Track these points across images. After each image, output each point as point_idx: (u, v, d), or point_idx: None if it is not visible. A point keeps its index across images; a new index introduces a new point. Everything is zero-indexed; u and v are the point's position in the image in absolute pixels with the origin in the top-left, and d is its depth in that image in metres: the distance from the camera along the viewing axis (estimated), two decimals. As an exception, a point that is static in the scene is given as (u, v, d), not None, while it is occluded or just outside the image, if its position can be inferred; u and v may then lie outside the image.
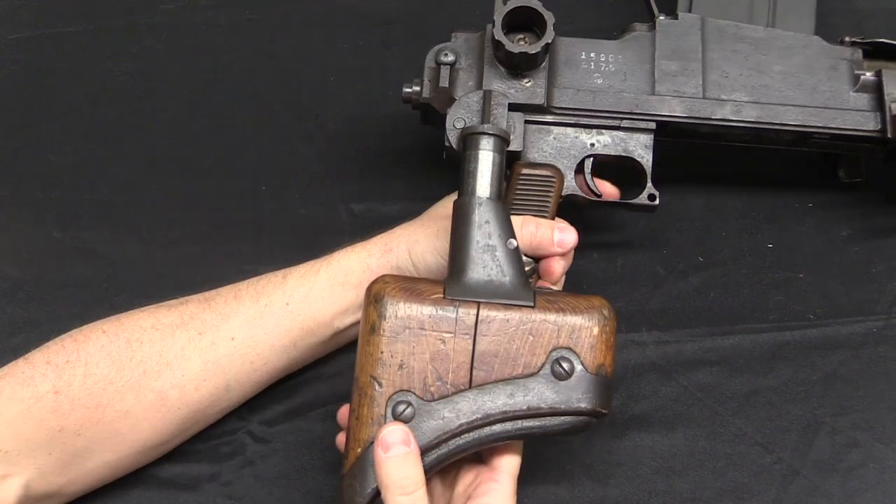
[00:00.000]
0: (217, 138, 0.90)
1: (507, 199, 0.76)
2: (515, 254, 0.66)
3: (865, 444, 0.77)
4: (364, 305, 0.65)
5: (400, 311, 0.63)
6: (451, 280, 0.65)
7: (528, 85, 0.76)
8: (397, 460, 0.60)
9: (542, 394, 0.63)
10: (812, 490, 0.76)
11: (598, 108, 0.77)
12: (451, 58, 0.76)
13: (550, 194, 0.76)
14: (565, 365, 0.63)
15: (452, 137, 0.74)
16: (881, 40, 0.80)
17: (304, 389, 0.79)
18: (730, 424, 0.75)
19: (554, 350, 0.63)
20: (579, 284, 0.82)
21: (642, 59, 0.78)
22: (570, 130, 0.78)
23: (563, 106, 0.77)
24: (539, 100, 0.76)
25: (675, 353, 0.81)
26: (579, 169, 0.77)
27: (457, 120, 0.74)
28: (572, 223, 0.75)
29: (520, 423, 0.63)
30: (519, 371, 0.63)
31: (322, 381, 0.80)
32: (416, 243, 0.74)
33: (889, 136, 0.76)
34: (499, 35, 0.73)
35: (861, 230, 0.85)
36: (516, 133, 0.75)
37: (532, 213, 0.75)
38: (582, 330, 0.64)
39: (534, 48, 0.74)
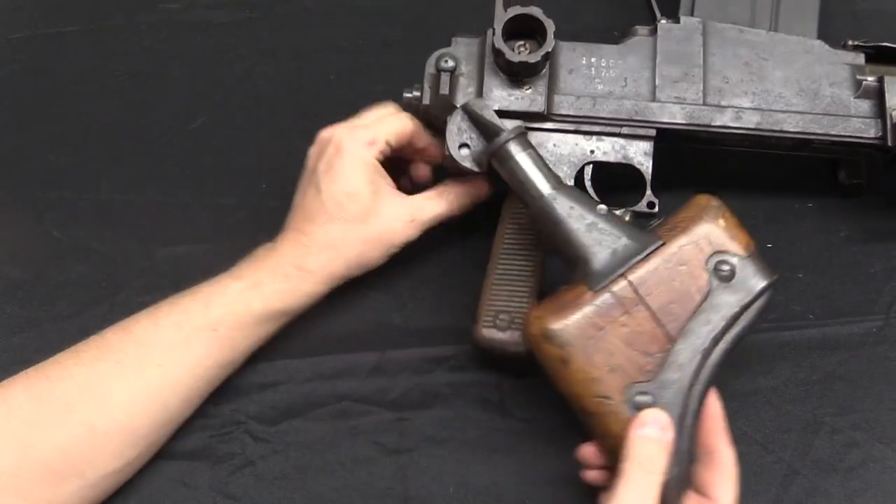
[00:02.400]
0: (217, 138, 0.90)
1: (506, 206, 0.77)
2: (611, 214, 0.68)
3: (865, 443, 0.77)
4: (536, 351, 0.66)
5: (572, 330, 0.64)
6: (583, 274, 0.66)
7: (528, 92, 0.76)
8: (649, 440, 0.62)
9: (727, 301, 0.65)
10: (812, 490, 0.76)
11: (599, 114, 0.77)
12: (451, 64, 0.75)
13: None
14: (725, 267, 0.65)
15: (463, 160, 0.75)
16: (884, 44, 0.79)
17: (303, 389, 0.79)
18: (729, 424, 0.74)
19: (707, 262, 0.65)
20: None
21: (643, 65, 0.78)
22: (569, 137, 0.77)
23: (564, 113, 0.77)
24: (539, 107, 0.76)
25: (674, 353, 0.81)
26: (579, 176, 0.77)
27: (461, 147, 0.75)
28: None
29: (728, 337, 0.65)
30: (697, 298, 0.65)
31: (323, 380, 0.80)
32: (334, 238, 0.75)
33: (889, 144, 0.76)
34: (499, 44, 0.73)
35: (860, 231, 0.85)
36: None
37: (528, 230, 0.76)
38: (713, 231, 0.66)
39: (534, 57, 0.74)
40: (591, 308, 0.65)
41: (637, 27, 0.79)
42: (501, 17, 0.74)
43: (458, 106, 0.75)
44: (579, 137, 0.77)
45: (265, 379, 0.80)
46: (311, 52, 0.93)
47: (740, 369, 0.79)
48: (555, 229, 0.68)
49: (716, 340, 0.65)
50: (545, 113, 0.76)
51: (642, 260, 0.66)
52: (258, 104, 0.91)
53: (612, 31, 0.85)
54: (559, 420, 0.79)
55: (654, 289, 0.65)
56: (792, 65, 0.78)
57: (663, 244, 0.66)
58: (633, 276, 0.65)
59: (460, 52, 0.77)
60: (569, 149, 0.77)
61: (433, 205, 0.78)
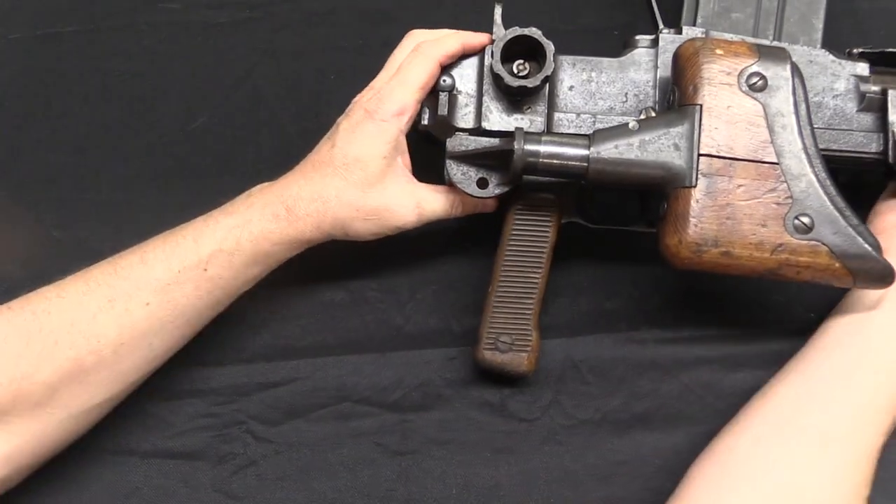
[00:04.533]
0: (217, 138, 0.89)
1: (505, 230, 0.77)
2: (644, 121, 0.71)
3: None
4: (699, 268, 0.69)
5: (708, 228, 0.69)
6: (672, 182, 0.70)
7: (527, 112, 0.76)
8: None
9: (779, 102, 0.70)
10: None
11: None
12: (449, 82, 0.75)
13: (550, 223, 0.77)
14: (754, 80, 0.70)
15: (493, 194, 0.75)
16: (890, 50, 0.78)
17: (306, 390, 0.80)
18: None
19: (741, 88, 0.70)
20: (579, 283, 0.82)
21: (645, 79, 0.77)
22: None
23: (564, 132, 0.76)
24: (539, 127, 0.75)
25: (676, 351, 0.81)
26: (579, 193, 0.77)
27: (481, 187, 0.75)
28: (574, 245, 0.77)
29: (804, 120, 0.70)
30: (760, 120, 0.70)
31: (325, 381, 0.80)
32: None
33: (890, 160, 0.75)
34: (497, 68, 0.73)
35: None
36: None
37: (531, 243, 0.77)
38: (720, 65, 0.70)
39: (533, 82, 0.73)
40: (703, 199, 0.68)
41: (638, 37, 0.78)
42: (500, 39, 0.73)
43: (447, 151, 0.75)
44: None
45: (267, 379, 0.80)
46: (311, 52, 0.92)
47: (741, 367, 0.79)
48: (623, 175, 0.70)
49: (801, 131, 0.69)
50: (545, 133, 0.75)
51: (698, 129, 0.69)
52: (258, 104, 0.91)
53: (612, 31, 0.84)
54: (561, 421, 0.79)
55: (727, 143, 0.69)
56: None
57: (699, 105, 0.69)
58: (704, 149, 0.69)
59: (458, 70, 0.76)
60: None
61: (440, 201, 0.77)
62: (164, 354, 0.74)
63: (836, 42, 0.80)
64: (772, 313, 0.81)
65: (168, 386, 0.75)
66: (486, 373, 0.80)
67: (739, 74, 0.70)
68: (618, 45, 0.80)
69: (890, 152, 0.75)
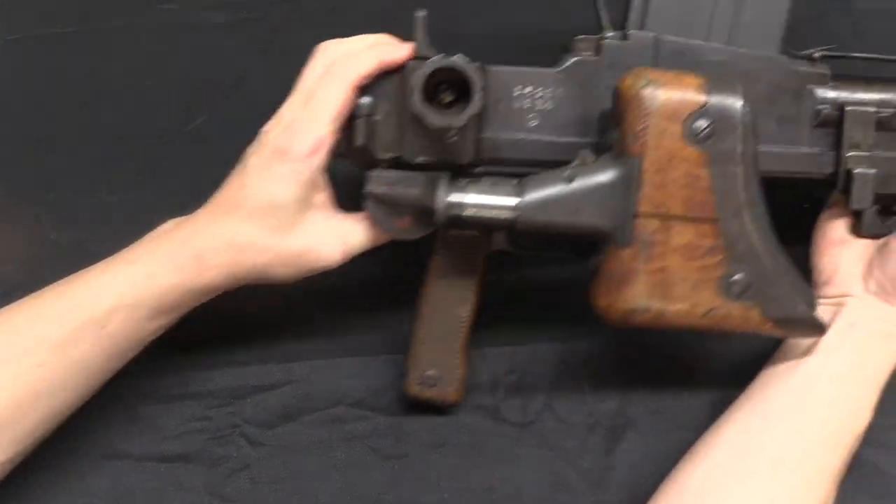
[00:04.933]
0: (216, 139, 0.89)
1: (431, 263, 0.74)
2: (577, 169, 0.66)
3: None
4: (632, 328, 0.67)
5: (643, 291, 0.66)
6: (606, 239, 0.66)
7: (453, 139, 0.68)
8: None
9: (726, 151, 0.65)
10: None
11: (534, 157, 0.69)
12: (366, 105, 0.68)
13: (476, 254, 0.73)
14: (700, 125, 0.64)
15: (414, 234, 0.70)
16: (853, 55, 0.73)
17: (299, 393, 0.80)
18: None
19: (684, 135, 0.64)
20: (574, 286, 0.81)
21: (586, 93, 0.69)
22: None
23: (495, 157, 0.70)
24: (466, 157, 0.69)
25: (669, 357, 0.80)
26: None
27: (400, 226, 0.70)
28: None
29: (751, 172, 0.65)
30: (704, 172, 0.65)
31: (318, 384, 0.80)
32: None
33: (838, 188, 0.71)
34: (416, 109, 0.65)
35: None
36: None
37: (457, 276, 0.73)
38: (662, 107, 0.64)
39: (458, 121, 0.66)
40: (637, 262, 0.65)
41: (579, 42, 0.70)
42: (419, 74, 0.65)
43: (365, 188, 0.69)
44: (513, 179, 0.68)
45: (261, 382, 0.80)
46: (309, 53, 0.92)
47: (734, 373, 0.79)
48: (550, 229, 0.66)
49: (745, 183, 0.64)
50: (474, 161, 0.69)
51: (636, 185, 0.64)
52: (257, 104, 0.90)
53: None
54: (553, 426, 0.79)
55: (667, 200, 0.64)
56: (752, 87, 0.68)
57: (639, 157, 0.64)
58: (643, 207, 0.64)
59: (378, 93, 0.69)
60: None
61: (366, 232, 0.72)
62: (66, 411, 0.69)
63: (834, 41, 0.78)
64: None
65: (161, 389, 0.75)
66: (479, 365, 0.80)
67: (685, 121, 0.64)
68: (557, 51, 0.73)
69: (839, 180, 0.71)
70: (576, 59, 0.70)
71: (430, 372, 0.75)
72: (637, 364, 0.81)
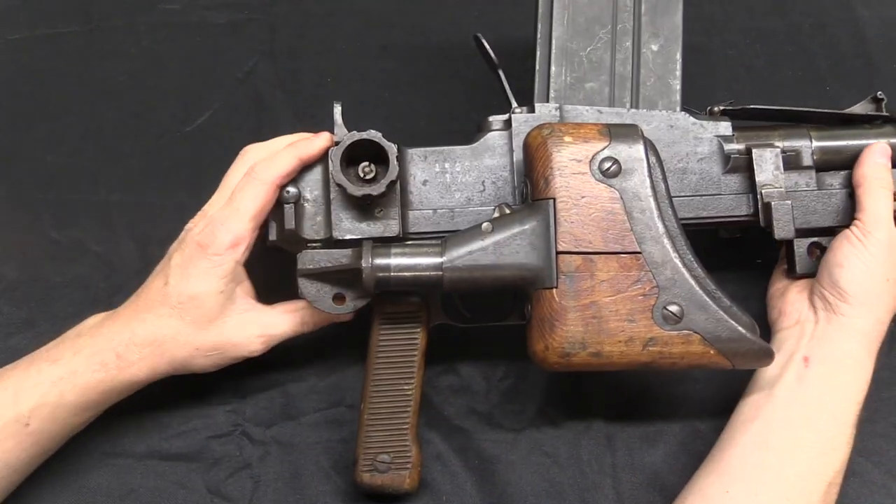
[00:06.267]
0: (215, 138, 0.90)
1: (372, 342, 0.74)
2: (497, 220, 0.69)
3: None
4: (569, 370, 0.67)
5: (574, 331, 0.66)
6: (533, 284, 0.68)
7: (379, 216, 0.71)
8: (879, 164, 0.73)
9: (634, 185, 0.67)
10: None
11: (459, 227, 0.72)
12: (293, 192, 0.71)
13: (417, 329, 0.73)
14: (607, 165, 0.67)
15: (347, 310, 0.71)
16: (751, 107, 0.76)
17: (300, 394, 0.80)
18: (710, 440, 0.74)
19: (594, 174, 0.67)
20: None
21: (501, 164, 0.73)
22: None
23: (421, 231, 0.72)
24: (393, 231, 0.71)
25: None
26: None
27: (337, 302, 0.71)
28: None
29: (664, 203, 0.68)
30: (617, 207, 0.67)
31: (319, 386, 0.80)
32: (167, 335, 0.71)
33: (762, 224, 0.73)
34: (338, 179, 0.68)
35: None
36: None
37: (399, 353, 0.73)
38: (570, 153, 0.67)
39: (377, 189, 0.68)
40: (566, 300, 0.66)
41: (491, 119, 0.74)
42: (338, 147, 0.69)
43: (298, 269, 0.70)
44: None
45: (263, 382, 0.80)
46: (310, 53, 0.93)
47: (722, 385, 0.79)
48: (480, 280, 0.68)
49: (661, 214, 0.66)
50: (401, 235, 0.72)
51: (554, 227, 0.66)
52: (256, 105, 0.91)
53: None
54: (548, 432, 0.79)
55: (586, 236, 0.66)
56: (657, 143, 0.71)
57: (552, 199, 0.66)
58: (563, 246, 0.66)
59: (303, 178, 0.72)
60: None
61: (287, 322, 0.74)
62: None
63: (834, 52, 0.79)
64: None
65: (163, 388, 0.75)
66: (475, 370, 0.81)
67: (591, 161, 0.66)
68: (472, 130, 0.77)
69: (761, 215, 0.73)
70: (490, 133, 0.74)
71: (382, 457, 0.73)
72: (623, 374, 0.81)
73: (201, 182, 0.87)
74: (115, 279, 0.84)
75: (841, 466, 0.69)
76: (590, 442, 0.79)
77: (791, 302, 0.75)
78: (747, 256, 0.82)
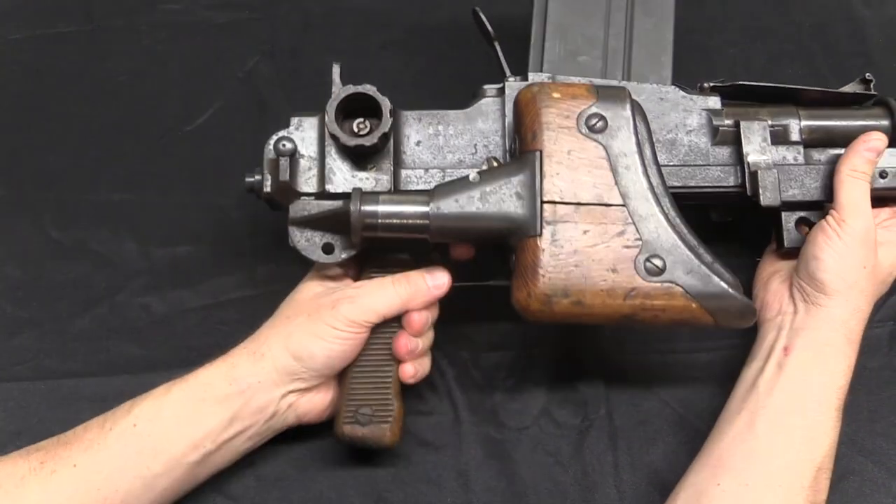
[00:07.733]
0: (216, 138, 0.90)
1: None
2: (485, 172, 0.70)
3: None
4: (552, 320, 0.67)
5: (556, 277, 0.67)
6: (518, 233, 0.68)
7: (372, 172, 0.73)
8: (862, 154, 0.73)
9: (621, 141, 0.69)
10: None
11: None
12: (289, 147, 0.71)
13: None
14: (594, 121, 0.68)
15: (339, 259, 0.72)
16: (740, 83, 0.77)
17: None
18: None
19: (580, 129, 0.69)
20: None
21: (493, 128, 0.75)
22: None
23: (412, 188, 0.73)
24: (384, 186, 0.72)
25: (656, 367, 0.82)
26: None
27: (326, 252, 0.72)
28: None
29: (648, 158, 0.69)
30: (603, 162, 0.68)
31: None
32: (289, 337, 0.71)
33: (748, 193, 0.74)
34: (332, 128, 0.70)
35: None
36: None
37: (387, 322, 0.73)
38: (557, 108, 0.69)
39: (370, 140, 0.70)
40: (549, 248, 0.66)
41: (486, 87, 0.76)
42: (333, 99, 0.70)
43: (289, 217, 0.72)
44: None
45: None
46: (310, 53, 0.93)
47: (721, 384, 0.79)
48: (466, 229, 0.69)
49: (646, 171, 0.68)
50: (392, 191, 0.73)
51: (540, 177, 0.67)
52: (257, 104, 0.91)
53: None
54: (550, 431, 0.79)
55: (571, 188, 0.67)
56: (648, 114, 0.72)
57: (539, 151, 0.68)
58: (547, 196, 0.67)
59: (300, 133, 0.73)
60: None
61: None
62: None
63: (834, 52, 0.79)
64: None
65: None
66: (480, 369, 0.81)
67: (578, 117, 0.68)
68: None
69: (748, 185, 0.74)
70: (483, 99, 0.76)
71: (364, 409, 0.73)
72: (621, 375, 0.81)
73: (202, 181, 0.88)
74: (116, 279, 0.84)
75: (829, 451, 0.69)
76: (592, 441, 0.79)
77: (773, 293, 0.76)
78: (747, 256, 0.82)
